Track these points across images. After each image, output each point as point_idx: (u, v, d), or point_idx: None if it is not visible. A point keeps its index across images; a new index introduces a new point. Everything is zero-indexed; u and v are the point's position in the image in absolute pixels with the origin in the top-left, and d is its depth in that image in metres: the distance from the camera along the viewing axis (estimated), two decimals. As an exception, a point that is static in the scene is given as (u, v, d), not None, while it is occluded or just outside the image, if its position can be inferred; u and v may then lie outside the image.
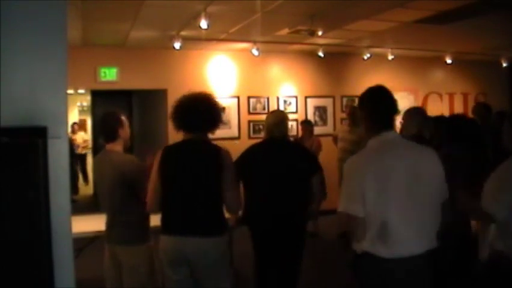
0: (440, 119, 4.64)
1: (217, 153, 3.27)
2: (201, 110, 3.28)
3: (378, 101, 2.80)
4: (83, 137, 12.97)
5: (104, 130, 3.75)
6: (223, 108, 3.45)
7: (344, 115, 9.84)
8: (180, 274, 3.22)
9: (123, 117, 3.78)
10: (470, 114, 7.11)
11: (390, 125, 2.74)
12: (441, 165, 2.72)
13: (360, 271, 2.74)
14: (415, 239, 2.60)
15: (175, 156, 3.31)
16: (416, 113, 4.52)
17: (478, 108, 6.93)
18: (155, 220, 3.86)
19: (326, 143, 8.23)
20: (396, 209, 2.57)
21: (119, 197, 3.59)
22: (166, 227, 3.27)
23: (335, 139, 8.15)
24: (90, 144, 12.35)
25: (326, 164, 7.89)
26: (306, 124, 8.17)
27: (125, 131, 3.74)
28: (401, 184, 2.58)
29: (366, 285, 2.74)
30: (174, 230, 3.22)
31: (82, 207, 8.66)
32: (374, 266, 2.64)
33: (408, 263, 2.59)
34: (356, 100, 9.79)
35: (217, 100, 3.42)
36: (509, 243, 2.77)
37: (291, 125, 9.07)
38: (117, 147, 3.70)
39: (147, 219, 3.71)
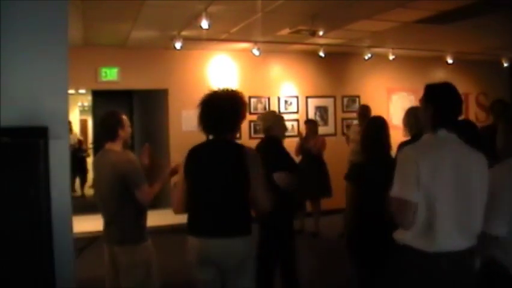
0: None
1: (241, 152, 3.21)
2: (223, 114, 3.22)
3: (443, 99, 2.78)
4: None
5: (105, 130, 3.75)
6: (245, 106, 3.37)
7: (344, 115, 9.85)
8: (208, 274, 3.18)
9: (124, 117, 3.79)
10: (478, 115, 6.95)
11: (450, 124, 2.73)
12: (487, 169, 2.72)
13: (398, 264, 2.74)
14: (459, 235, 2.62)
15: (199, 158, 3.27)
16: (416, 113, 4.50)
17: (496, 106, 6.41)
18: (152, 220, 3.87)
19: (328, 143, 8.22)
20: (443, 203, 2.59)
21: (116, 196, 3.59)
22: (193, 228, 3.24)
23: (348, 139, 8.14)
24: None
25: (329, 164, 7.94)
26: (310, 123, 8.16)
27: (125, 131, 3.76)
28: (450, 180, 2.60)
29: (404, 278, 2.73)
30: (200, 231, 3.19)
31: (83, 207, 8.65)
32: (414, 260, 2.65)
33: (450, 257, 2.60)
34: (357, 100, 9.86)
35: (241, 98, 3.33)
36: (495, 248, 2.80)
37: (292, 125, 9.08)
38: (116, 146, 3.71)
39: (144, 219, 3.72)
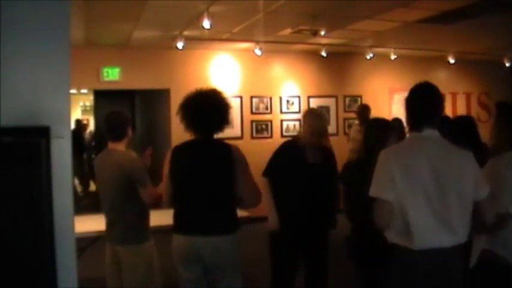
0: (444, 119, 4.61)
1: (227, 150, 3.25)
2: (210, 112, 3.23)
3: (421, 98, 2.82)
4: None
5: (113, 129, 3.74)
6: (230, 106, 3.36)
7: (346, 115, 9.86)
8: (194, 272, 3.21)
9: (129, 118, 3.82)
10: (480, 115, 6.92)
11: (432, 122, 2.76)
12: (476, 166, 2.74)
13: (389, 262, 2.77)
14: (440, 232, 2.63)
15: (186, 156, 3.28)
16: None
17: (500, 108, 6.41)
18: (155, 219, 3.87)
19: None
20: (422, 203, 2.62)
21: (120, 195, 3.60)
22: (179, 226, 3.26)
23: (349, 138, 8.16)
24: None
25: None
26: None
27: (130, 131, 3.77)
28: (428, 179, 2.63)
29: (394, 275, 2.76)
30: (187, 229, 3.21)
31: (84, 207, 8.66)
32: (401, 257, 2.68)
33: (434, 255, 2.62)
34: (359, 100, 9.86)
35: (225, 98, 3.35)
36: (493, 240, 2.87)
37: (294, 124, 9.09)
38: (120, 146, 3.71)
39: (147, 219, 3.72)
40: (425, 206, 2.62)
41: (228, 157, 3.21)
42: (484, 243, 2.94)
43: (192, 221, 3.21)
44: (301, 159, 4.12)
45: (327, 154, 4.37)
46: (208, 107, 3.23)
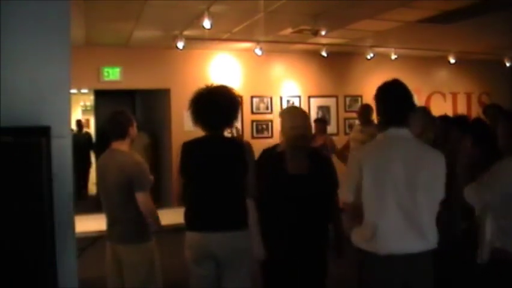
0: (445, 118, 4.63)
1: (239, 147, 3.28)
2: (220, 109, 3.23)
3: (387, 96, 2.77)
4: None
5: (115, 128, 3.73)
6: (240, 102, 3.37)
7: (347, 115, 9.85)
8: (206, 269, 3.21)
9: (132, 117, 3.81)
10: (481, 115, 6.88)
11: (400, 121, 2.70)
12: (444, 167, 2.70)
13: (359, 268, 2.75)
14: (411, 237, 2.58)
15: (198, 153, 3.28)
16: (420, 113, 4.49)
17: (489, 110, 6.52)
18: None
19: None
20: (392, 205, 2.56)
21: (122, 196, 3.59)
22: (192, 223, 3.25)
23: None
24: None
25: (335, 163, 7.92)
26: (319, 122, 8.15)
27: (134, 130, 3.77)
28: (398, 181, 2.57)
29: (365, 282, 2.75)
30: (201, 226, 3.20)
31: (85, 207, 8.65)
32: (371, 263, 2.64)
33: (404, 261, 2.57)
34: (359, 100, 9.86)
35: (235, 94, 3.35)
36: (505, 239, 2.86)
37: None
38: (123, 146, 3.71)
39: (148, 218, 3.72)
40: (395, 208, 2.56)
41: (241, 153, 3.23)
42: (495, 241, 2.93)
43: (206, 218, 3.21)
44: (281, 169, 3.49)
45: (319, 161, 3.61)
46: (218, 104, 3.23)
